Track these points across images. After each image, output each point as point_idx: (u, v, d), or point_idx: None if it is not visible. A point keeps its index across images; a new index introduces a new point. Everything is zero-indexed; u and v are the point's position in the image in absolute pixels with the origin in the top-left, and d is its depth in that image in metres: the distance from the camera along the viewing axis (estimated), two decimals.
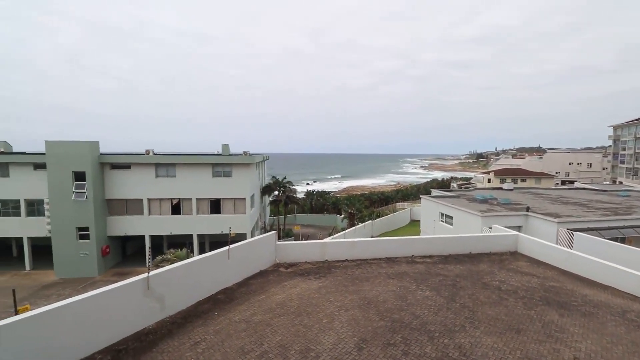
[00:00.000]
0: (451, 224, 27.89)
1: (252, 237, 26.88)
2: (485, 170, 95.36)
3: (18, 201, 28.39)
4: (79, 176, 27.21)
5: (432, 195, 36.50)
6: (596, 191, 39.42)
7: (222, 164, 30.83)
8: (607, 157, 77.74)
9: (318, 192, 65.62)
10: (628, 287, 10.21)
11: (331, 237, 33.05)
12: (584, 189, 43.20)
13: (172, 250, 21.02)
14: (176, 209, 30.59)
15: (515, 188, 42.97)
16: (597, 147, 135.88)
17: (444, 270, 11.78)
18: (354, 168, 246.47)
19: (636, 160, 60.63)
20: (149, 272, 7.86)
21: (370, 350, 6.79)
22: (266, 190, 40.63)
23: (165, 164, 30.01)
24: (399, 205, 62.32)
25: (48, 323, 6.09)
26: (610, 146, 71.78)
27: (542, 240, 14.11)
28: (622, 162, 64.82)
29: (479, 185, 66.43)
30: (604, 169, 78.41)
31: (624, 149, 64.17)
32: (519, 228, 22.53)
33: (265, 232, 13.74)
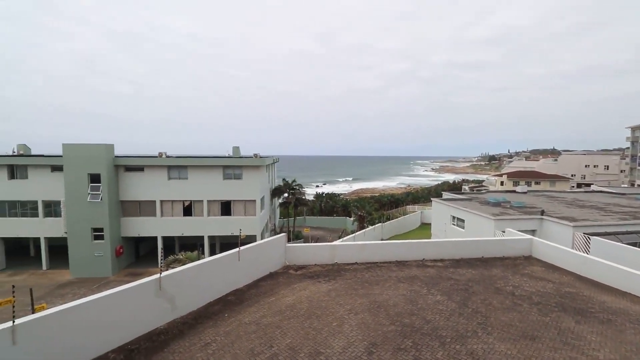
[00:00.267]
0: (463, 228, 27.50)
1: (262, 239, 27.01)
2: (498, 173, 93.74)
3: (36, 202, 29.20)
4: (95, 178, 27.85)
5: (443, 198, 36.08)
6: (613, 194, 38.33)
7: (232, 166, 31.12)
8: (624, 159, 75.45)
9: (327, 194, 65.61)
10: None
11: (341, 239, 32.96)
12: (601, 192, 42.06)
13: (183, 252, 21.29)
14: (188, 210, 30.98)
15: (529, 191, 42.13)
16: (614, 149, 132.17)
17: (455, 275, 11.60)
18: (364, 170, 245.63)
19: None
20: (161, 273, 7.98)
21: (380, 354, 6.72)
22: (276, 192, 40.83)
23: (177, 166, 30.47)
24: (409, 208, 61.76)
25: (64, 322, 6.22)
26: (628, 148, 69.71)
27: (558, 244, 13.77)
28: None
29: (491, 188, 65.33)
30: (621, 171, 76.18)
31: None
32: (533, 232, 22.07)
33: (275, 234, 13.80)
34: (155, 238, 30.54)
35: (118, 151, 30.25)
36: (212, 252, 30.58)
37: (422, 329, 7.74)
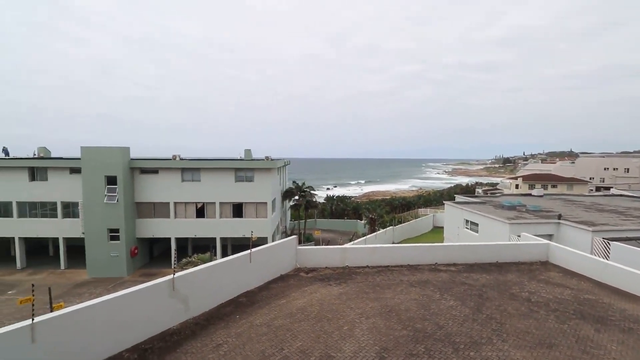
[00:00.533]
0: (476, 232, 27.00)
1: (273, 241, 27.14)
2: (513, 176, 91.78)
3: (55, 203, 30.08)
4: (111, 180, 28.54)
5: (456, 201, 35.54)
6: (634, 198, 37.02)
7: (244, 169, 31.42)
8: None
9: (338, 197, 65.45)
10: None
11: (351, 242, 32.81)
12: (621, 195, 40.69)
13: (196, 254, 21.57)
14: (200, 212, 31.39)
15: (545, 194, 41.09)
16: (634, 152, 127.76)
17: (469, 280, 11.39)
18: (375, 173, 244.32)
19: None
20: (174, 274, 8.09)
21: None
22: (287, 194, 40.99)
23: (190, 169, 30.94)
24: (421, 211, 61.05)
25: (80, 321, 6.38)
26: None
27: (576, 250, 13.37)
28: None
29: (506, 191, 64.02)
30: None
31: None
32: (550, 237, 21.47)
33: (286, 237, 13.83)
34: (168, 239, 31.03)
35: (133, 154, 30.94)
36: (224, 254, 30.87)
37: (435, 334, 7.62)
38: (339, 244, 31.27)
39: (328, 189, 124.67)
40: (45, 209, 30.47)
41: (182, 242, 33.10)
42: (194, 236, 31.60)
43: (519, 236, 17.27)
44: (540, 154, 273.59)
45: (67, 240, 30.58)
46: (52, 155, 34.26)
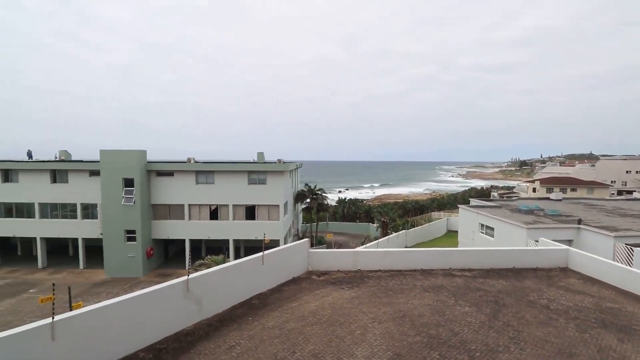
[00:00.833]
0: (492, 236, 26.45)
1: (285, 243, 27.24)
2: (530, 179, 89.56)
3: (75, 205, 31.05)
4: (128, 182, 29.27)
5: (471, 204, 34.92)
6: None
7: (257, 172, 31.71)
8: None
9: (350, 200, 65.25)
10: None
11: (364, 246, 32.60)
12: None
13: (209, 255, 21.84)
14: (214, 214, 31.81)
15: (564, 198, 39.94)
16: None
17: (484, 285, 11.14)
18: (388, 176, 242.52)
19: None
20: (188, 275, 8.20)
21: None
22: (299, 197, 41.11)
23: (204, 172, 31.44)
24: (434, 214, 60.22)
25: (98, 320, 6.52)
26: None
27: (597, 256, 12.92)
28: None
29: (522, 195, 62.53)
30: None
31: None
32: (569, 242, 20.85)
33: (298, 239, 13.86)
34: (183, 240, 31.55)
35: (149, 157, 31.66)
36: (237, 256, 31.16)
37: (450, 341, 7.47)
38: (351, 247, 31.12)
39: (340, 191, 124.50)
40: (65, 210, 31.47)
41: (196, 244, 33.60)
42: (207, 238, 32.03)
43: (537, 241, 16.82)
44: (558, 156, 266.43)
45: (86, 241, 31.48)
46: (73, 158, 35.41)
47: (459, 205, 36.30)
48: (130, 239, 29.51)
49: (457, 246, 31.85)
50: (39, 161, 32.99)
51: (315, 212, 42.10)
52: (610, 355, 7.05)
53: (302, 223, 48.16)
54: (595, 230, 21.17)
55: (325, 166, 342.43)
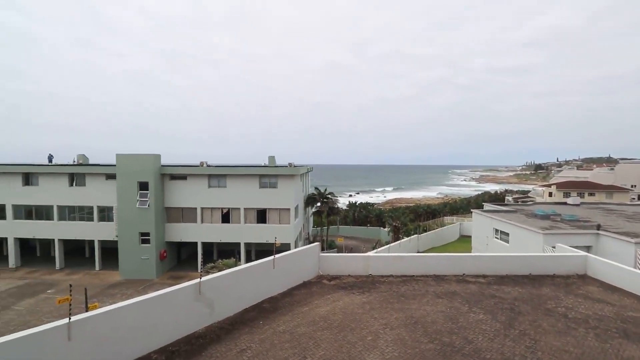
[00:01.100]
0: (507, 242, 25.87)
1: (295, 247, 27.23)
2: (546, 183, 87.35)
3: (92, 208, 31.81)
4: (143, 186, 29.84)
5: (484, 209, 34.29)
6: None
7: (268, 175, 31.89)
8: None
9: (361, 203, 64.91)
10: None
11: (375, 250, 32.33)
12: None
13: (221, 259, 22.00)
14: (226, 217, 32.09)
15: (582, 203, 38.80)
16: None
17: (499, 292, 10.89)
18: (400, 180, 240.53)
19: None
20: (200, 278, 8.28)
21: None
22: (309, 201, 41.14)
23: (217, 175, 31.80)
24: (447, 219, 59.33)
25: (113, 321, 6.64)
26: None
27: (617, 262, 12.47)
28: None
29: (538, 200, 61.05)
30: None
31: None
32: (588, 248, 20.23)
33: (308, 243, 13.84)
34: (195, 243, 31.90)
35: (163, 161, 32.23)
36: (248, 259, 31.32)
37: (464, 349, 7.31)
38: (362, 252, 30.89)
39: (350, 195, 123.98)
40: (82, 213, 32.27)
41: (208, 247, 33.91)
42: (219, 241, 32.32)
43: (554, 247, 16.36)
44: (575, 160, 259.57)
45: (102, 243, 32.14)
46: (90, 162, 36.35)
47: (472, 210, 35.69)
48: (144, 241, 30.02)
49: (470, 252, 31.26)
50: (58, 165, 33.98)
51: (325, 215, 42.03)
52: None
53: (313, 227, 48.12)
54: (616, 236, 20.48)
55: (336, 170, 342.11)
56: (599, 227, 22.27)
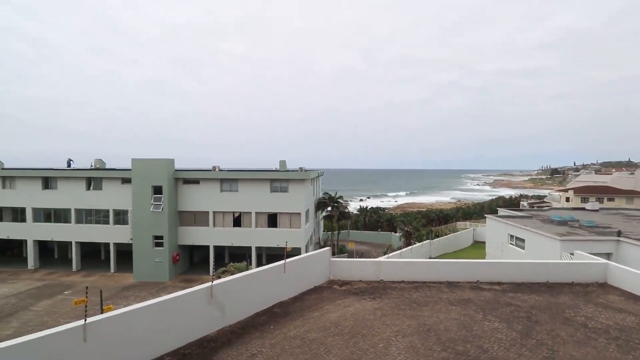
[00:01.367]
0: (523, 248, 25.28)
1: (306, 251, 27.20)
2: (563, 188, 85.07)
3: (108, 211, 32.53)
4: (157, 190, 30.41)
5: (499, 214, 33.60)
6: None
7: (279, 180, 32.05)
8: None
9: (372, 208, 64.50)
10: None
11: (386, 255, 32.01)
12: None
13: (232, 263, 22.13)
14: (237, 221, 32.34)
15: (601, 209, 37.64)
16: None
17: (515, 300, 10.61)
18: (411, 184, 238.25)
19: None
20: (212, 281, 8.34)
21: None
22: (320, 205, 41.11)
23: (229, 180, 32.15)
24: (459, 224, 58.35)
25: (127, 323, 6.73)
26: None
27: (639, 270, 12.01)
28: None
29: (555, 205, 59.48)
30: None
31: None
32: (608, 255, 19.59)
33: (319, 248, 13.81)
34: (207, 247, 32.21)
35: (176, 165, 32.76)
36: (259, 263, 31.43)
37: (479, 358, 7.13)
38: (373, 257, 30.63)
39: (361, 200, 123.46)
40: (99, 216, 33.03)
41: (219, 250, 34.21)
42: (230, 244, 32.55)
43: (572, 254, 15.89)
44: (593, 164, 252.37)
45: (117, 245, 32.79)
46: (107, 167, 37.24)
47: (486, 215, 35.03)
48: (157, 244, 30.50)
49: (484, 258, 30.62)
50: (76, 169, 34.94)
51: (336, 220, 41.90)
52: None
53: (323, 231, 48.02)
54: (637, 243, 19.76)
55: (346, 174, 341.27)
56: (619, 233, 21.55)
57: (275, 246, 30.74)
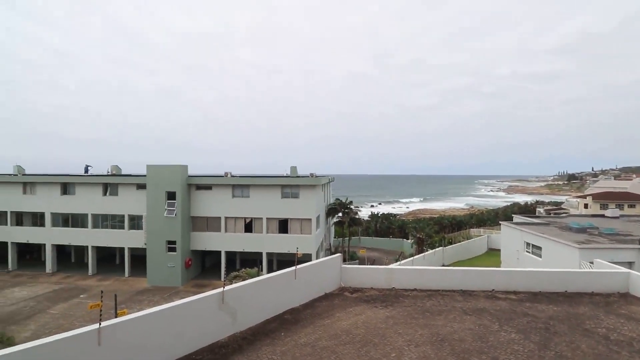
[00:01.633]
0: (540, 256, 24.60)
1: (317, 258, 27.10)
2: (581, 194, 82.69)
3: (123, 216, 33.22)
4: (171, 195, 30.91)
5: (514, 221, 32.85)
6: None
7: (290, 186, 32.16)
8: None
9: (383, 214, 64.02)
10: None
11: (398, 262, 31.62)
12: None
13: (244, 268, 22.21)
14: (248, 227, 32.53)
15: (621, 215, 36.39)
16: None
17: (532, 310, 10.29)
18: (423, 190, 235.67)
19: None
20: (224, 287, 8.38)
21: None
22: (331, 211, 41.01)
23: (240, 185, 32.45)
24: (473, 231, 57.25)
25: (141, 327, 6.81)
26: None
27: None
28: None
29: (572, 212, 57.82)
30: None
31: None
32: (630, 264, 18.86)
33: (330, 254, 13.73)
34: (219, 252, 32.47)
35: (189, 171, 33.27)
36: (270, 269, 31.46)
37: None
38: (385, 264, 30.28)
39: (372, 205, 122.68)
40: (114, 221, 33.74)
41: (231, 256, 34.42)
42: (242, 250, 32.74)
43: (592, 263, 15.37)
44: (612, 169, 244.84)
45: (131, 250, 33.37)
46: (123, 173, 38.11)
47: (501, 222, 34.30)
48: (171, 249, 30.90)
49: (499, 266, 29.92)
50: (93, 175, 35.87)
51: (347, 226, 41.71)
52: None
53: (334, 237, 47.82)
54: None
55: (358, 180, 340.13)
56: None
57: (286, 252, 30.75)
